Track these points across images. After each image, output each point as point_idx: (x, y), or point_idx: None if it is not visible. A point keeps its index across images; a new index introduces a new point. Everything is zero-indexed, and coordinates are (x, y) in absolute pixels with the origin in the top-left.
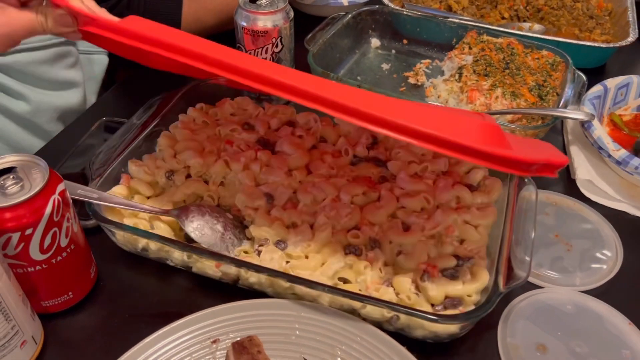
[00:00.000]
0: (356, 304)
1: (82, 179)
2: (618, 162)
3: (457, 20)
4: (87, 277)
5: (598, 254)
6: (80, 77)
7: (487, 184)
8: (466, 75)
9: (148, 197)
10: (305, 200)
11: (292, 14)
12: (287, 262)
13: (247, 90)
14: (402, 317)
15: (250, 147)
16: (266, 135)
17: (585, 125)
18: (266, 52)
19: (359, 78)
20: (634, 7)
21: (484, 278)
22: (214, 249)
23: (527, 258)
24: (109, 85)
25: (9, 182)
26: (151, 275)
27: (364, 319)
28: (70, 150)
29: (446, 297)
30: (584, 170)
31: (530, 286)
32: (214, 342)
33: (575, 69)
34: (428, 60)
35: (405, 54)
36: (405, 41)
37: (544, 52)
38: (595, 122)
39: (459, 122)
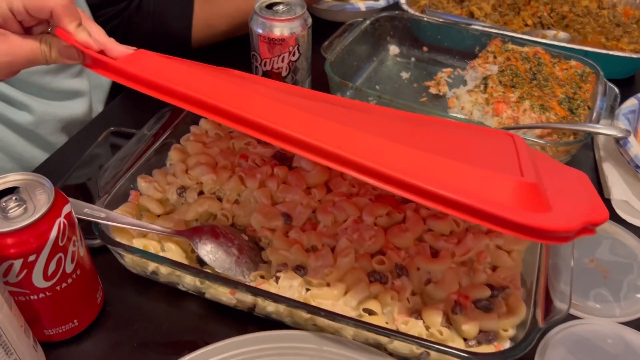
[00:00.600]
0: (383, 339)
1: (86, 191)
2: None
3: (480, 28)
4: (94, 303)
5: (638, 282)
6: (86, 86)
7: None
8: (492, 87)
9: (158, 216)
10: (325, 221)
11: (310, 20)
12: (307, 289)
13: None
14: (433, 354)
15: (266, 162)
16: (282, 150)
17: (620, 142)
18: (282, 61)
19: (377, 87)
20: None
21: (521, 311)
22: (228, 274)
23: (567, 288)
24: (118, 91)
25: (12, 204)
26: (161, 300)
27: (391, 354)
28: (76, 163)
29: (480, 331)
30: (619, 190)
31: (567, 317)
32: None
33: (607, 81)
34: (450, 69)
35: (426, 62)
36: (425, 48)
37: (573, 63)
38: (632, 139)
39: (493, 180)
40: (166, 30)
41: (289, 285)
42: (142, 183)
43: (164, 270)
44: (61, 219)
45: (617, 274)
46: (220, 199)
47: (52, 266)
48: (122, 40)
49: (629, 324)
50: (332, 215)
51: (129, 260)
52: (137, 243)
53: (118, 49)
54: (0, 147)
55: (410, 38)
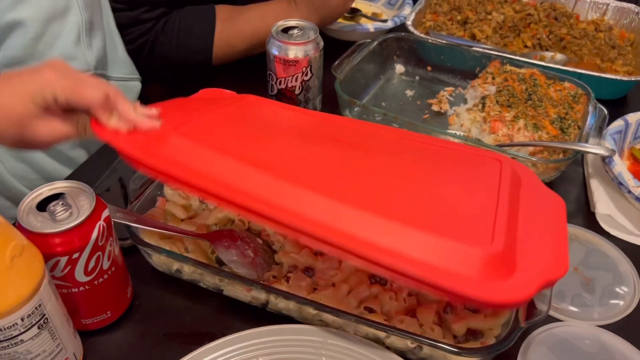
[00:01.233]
0: (381, 334)
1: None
2: (638, 199)
3: (480, 49)
4: (124, 297)
5: (617, 289)
6: None
7: None
8: (489, 106)
9: (182, 220)
10: None
11: (322, 44)
12: (315, 289)
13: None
14: (425, 348)
15: None
16: None
17: (606, 160)
18: (296, 80)
19: (383, 104)
20: None
21: (505, 312)
22: (244, 273)
23: (548, 292)
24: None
25: (59, 209)
26: (184, 296)
27: (388, 348)
28: (103, 174)
29: (468, 329)
30: (604, 205)
31: (549, 319)
32: None
33: (597, 102)
34: (451, 88)
35: (429, 80)
36: (429, 68)
37: (566, 84)
38: (616, 158)
39: (456, 252)
40: (189, 48)
41: (298, 285)
42: (168, 190)
43: (187, 269)
44: (101, 222)
45: (598, 282)
46: None
47: (92, 263)
48: (147, 56)
49: (605, 327)
50: None
51: (156, 260)
52: (163, 244)
53: (146, 125)
54: (25, 160)
55: (415, 58)
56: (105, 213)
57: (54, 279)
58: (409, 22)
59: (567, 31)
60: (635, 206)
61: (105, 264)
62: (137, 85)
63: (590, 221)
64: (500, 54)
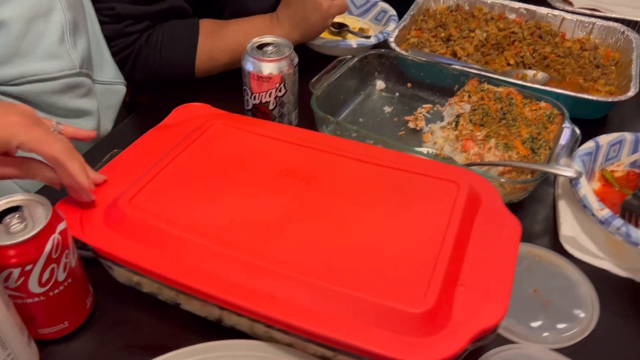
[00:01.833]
0: (329, 353)
1: None
2: (601, 222)
3: (459, 67)
4: (83, 308)
5: (574, 312)
6: (93, 106)
7: None
8: (462, 124)
9: None
10: None
11: (296, 60)
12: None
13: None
14: None
15: None
16: None
17: (572, 182)
18: (270, 96)
19: (361, 120)
20: (638, 62)
21: None
22: None
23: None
24: (132, 108)
25: (14, 221)
26: (144, 307)
27: None
28: None
29: None
30: (569, 227)
31: (503, 341)
32: None
33: (571, 123)
34: (429, 105)
35: (409, 97)
36: (409, 85)
37: (542, 104)
38: (583, 180)
39: (385, 312)
40: (172, 61)
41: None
42: None
43: (146, 282)
44: (56, 235)
45: (556, 304)
46: None
47: (46, 275)
48: (131, 68)
49: (560, 350)
50: None
51: (116, 272)
52: None
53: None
54: None
55: (396, 74)
56: (62, 226)
57: (8, 289)
58: (391, 39)
59: (551, 49)
60: (599, 229)
61: (61, 276)
62: (122, 89)
63: (556, 242)
64: (479, 72)
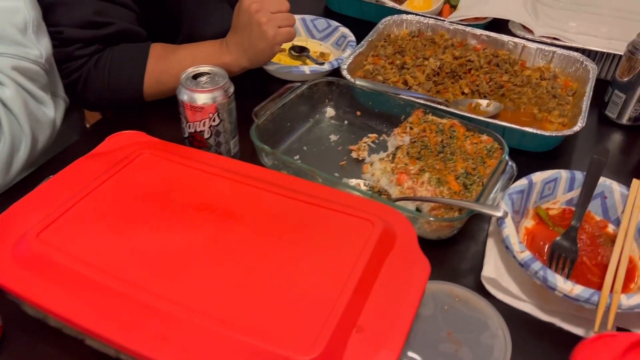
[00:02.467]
0: None
1: None
2: (521, 264)
3: (406, 97)
4: None
5: (486, 356)
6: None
7: None
8: (399, 157)
9: None
10: None
11: (231, 89)
12: None
13: None
14: None
15: None
16: None
17: (498, 222)
18: (204, 125)
19: (305, 148)
20: (591, 94)
21: None
22: None
23: None
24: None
25: None
26: (52, 341)
27: None
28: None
29: None
30: (491, 267)
31: None
32: None
33: (509, 160)
34: (375, 135)
35: (357, 126)
36: (358, 113)
37: (484, 137)
38: (508, 220)
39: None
40: (120, 85)
41: None
42: None
43: (50, 317)
44: None
45: (468, 348)
46: None
47: None
48: (81, 91)
49: None
50: None
51: (23, 305)
52: None
53: None
54: None
55: (346, 102)
56: None
57: None
58: (344, 66)
59: (508, 78)
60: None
61: None
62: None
63: (480, 282)
64: (426, 102)
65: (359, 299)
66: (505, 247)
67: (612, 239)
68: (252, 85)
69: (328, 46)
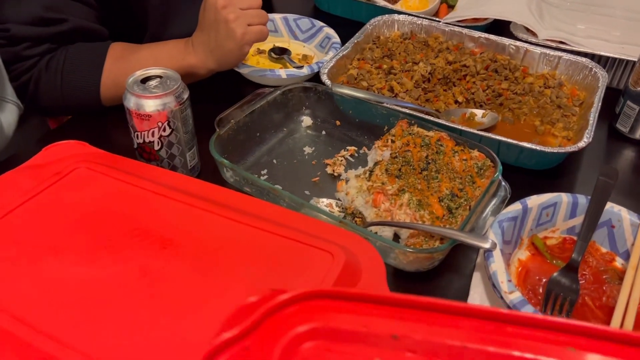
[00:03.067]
0: None
1: None
2: (509, 307)
3: (389, 107)
4: None
5: None
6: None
7: None
8: (377, 174)
9: None
10: None
11: (185, 95)
12: None
13: None
14: None
15: None
16: None
17: (485, 255)
18: (153, 135)
19: (274, 162)
20: (600, 105)
21: None
22: None
23: None
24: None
25: None
26: None
27: None
28: None
29: None
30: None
31: None
32: None
33: (502, 180)
34: (354, 148)
35: (336, 137)
36: (338, 122)
37: (475, 153)
38: (496, 253)
39: None
40: (75, 87)
41: None
42: None
43: None
44: None
45: None
46: None
47: None
48: (33, 95)
49: None
50: None
51: None
52: None
53: None
54: None
55: (324, 110)
56: None
57: None
58: (324, 70)
59: (508, 86)
60: None
61: None
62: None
63: None
64: (413, 111)
65: None
66: (492, 285)
67: (620, 276)
68: (222, 89)
69: (312, 48)
